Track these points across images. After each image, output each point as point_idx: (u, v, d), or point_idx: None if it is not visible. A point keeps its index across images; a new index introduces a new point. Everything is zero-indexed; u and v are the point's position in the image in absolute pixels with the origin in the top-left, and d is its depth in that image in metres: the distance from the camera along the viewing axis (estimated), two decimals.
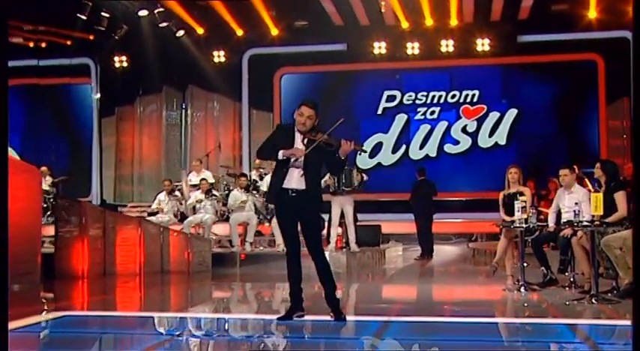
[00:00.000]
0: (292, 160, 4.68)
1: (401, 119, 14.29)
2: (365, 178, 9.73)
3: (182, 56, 14.50)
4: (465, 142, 13.98)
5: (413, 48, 14.07)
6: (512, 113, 13.89)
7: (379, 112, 14.36)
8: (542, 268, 7.05)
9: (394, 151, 14.24)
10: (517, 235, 7.08)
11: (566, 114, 13.62)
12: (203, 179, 10.66)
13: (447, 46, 13.88)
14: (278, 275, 8.38)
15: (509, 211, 7.17)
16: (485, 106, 13.98)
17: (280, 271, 8.63)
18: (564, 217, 6.95)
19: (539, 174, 12.93)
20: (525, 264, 7.10)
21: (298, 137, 4.78)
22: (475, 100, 14.04)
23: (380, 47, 14.19)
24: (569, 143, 13.57)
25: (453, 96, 14.16)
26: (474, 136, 13.97)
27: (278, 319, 4.81)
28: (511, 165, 7.54)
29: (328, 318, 4.82)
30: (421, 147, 14.18)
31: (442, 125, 14.16)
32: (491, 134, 13.95)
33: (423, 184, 11.19)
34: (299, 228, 4.87)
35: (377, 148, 14.16)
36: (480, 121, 13.95)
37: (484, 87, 14.01)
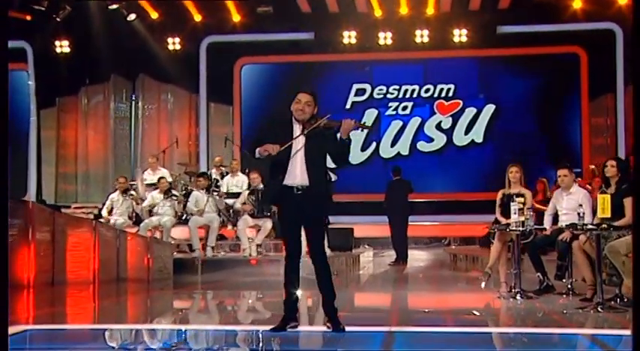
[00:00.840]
0: (266, 155, 4.51)
1: (371, 114, 14.18)
2: (333, 178, 9.51)
3: (133, 42, 14.05)
4: (440, 140, 13.96)
5: (385, 38, 13.99)
6: (489, 109, 13.93)
7: (347, 106, 14.26)
8: (538, 274, 6.99)
9: (363, 149, 14.14)
10: (512, 239, 7.02)
11: (546, 111, 13.74)
12: (162, 178, 10.31)
13: (422, 36, 13.86)
14: (243, 282, 8.59)
15: (507, 213, 7.10)
16: (461, 102, 13.99)
17: (245, 278, 9.02)
18: (562, 220, 6.96)
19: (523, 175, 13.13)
20: (515, 270, 6.95)
21: (297, 128, 4.69)
22: (450, 94, 14.03)
23: (350, 36, 14.07)
24: (549, 142, 13.70)
25: (427, 90, 14.13)
26: (449, 133, 13.97)
27: (270, 330, 4.67)
28: (512, 163, 7.46)
29: (325, 329, 4.71)
30: (392, 144, 14.12)
31: (415, 121, 14.11)
32: (467, 131, 13.96)
33: (398, 184, 11.13)
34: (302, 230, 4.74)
35: None
36: (456, 118, 13.96)
37: (460, 81, 14.02)
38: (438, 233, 13.43)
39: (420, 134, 14.06)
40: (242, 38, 14.30)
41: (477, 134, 13.92)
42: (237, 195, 10.33)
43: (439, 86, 14.07)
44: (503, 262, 7.21)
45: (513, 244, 6.97)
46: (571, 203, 6.94)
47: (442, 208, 13.37)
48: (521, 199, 6.79)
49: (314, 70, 14.39)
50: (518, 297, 6.67)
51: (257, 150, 4.59)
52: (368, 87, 14.25)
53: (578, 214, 6.13)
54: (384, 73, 14.25)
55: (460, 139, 13.98)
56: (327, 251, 9.06)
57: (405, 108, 14.15)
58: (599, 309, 5.75)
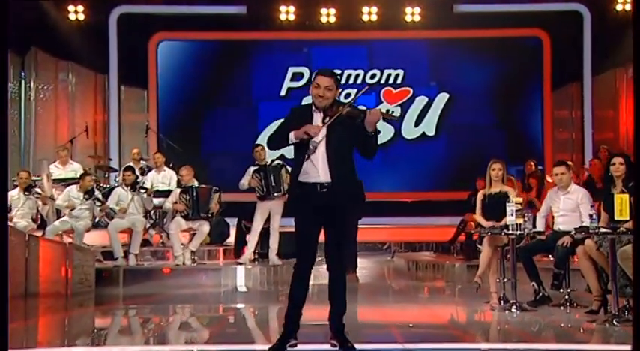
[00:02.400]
0: (311, 145, 4.53)
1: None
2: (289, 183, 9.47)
3: (24, 10, 13.05)
4: (387, 132, 13.77)
5: (328, 15, 13.84)
6: (442, 98, 13.97)
7: (282, 92, 14.07)
8: (533, 283, 6.97)
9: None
10: (506, 244, 7.06)
11: (505, 101, 13.92)
12: (87, 175, 9.84)
13: (370, 14, 13.77)
14: (175, 295, 8.24)
15: (492, 215, 7.20)
16: (410, 89, 13.97)
17: (176, 290, 8.56)
18: (558, 223, 7.05)
19: (473, 171, 13.16)
20: (505, 279, 7.02)
21: (317, 117, 4.67)
22: (399, 81, 13.99)
23: (287, 12, 13.85)
24: (508, 135, 13.87)
25: (373, 75, 14.04)
26: (397, 124, 13.86)
27: (269, 349, 4.62)
28: (494, 160, 7.50)
29: (329, 347, 4.70)
30: None
31: None
32: (417, 123, 13.95)
33: None
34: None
35: None
36: (405, 107, 13.91)
37: (410, 66, 13.98)
38: (384, 237, 13.36)
39: None
40: (159, 10, 13.85)
41: (429, 126, 13.90)
42: (164, 194, 9.89)
43: (386, 71, 13.98)
44: (494, 270, 7.20)
45: (508, 250, 6.96)
46: (569, 204, 7.03)
47: (389, 210, 13.18)
48: (519, 200, 6.79)
49: (244, 50, 14.09)
50: (513, 309, 6.60)
51: (292, 134, 4.56)
52: (306, 71, 14.03)
53: (590, 215, 6.12)
54: (324, 56, 14.03)
55: (409, 131, 13.92)
56: (275, 259, 9.46)
57: (347, 95, 13.47)
58: (615, 322, 5.72)
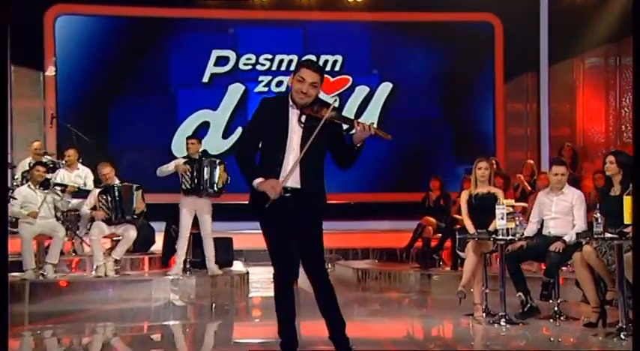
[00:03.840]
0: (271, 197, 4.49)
1: (236, 91, 13.88)
2: (229, 180, 9.49)
3: None
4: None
5: None
6: (385, 89, 13.99)
7: (205, 79, 13.89)
8: (520, 294, 6.94)
9: (226, 136, 13.78)
10: (493, 250, 7.22)
11: (454, 92, 14.02)
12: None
13: None
14: (94, 313, 7.91)
15: (478, 218, 7.26)
16: (350, 78, 13.96)
17: (95, 306, 8.18)
18: (550, 226, 7.06)
19: (421, 170, 13.24)
20: (487, 289, 7.12)
21: (294, 115, 4.62)
22: (337, 68, 13.97)
23: None
24: (456, 130, 14.03)
25: None
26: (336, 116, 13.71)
27: None
28: (480, 158, 7.60)
29: None
30: None
31: None
32: (357, 115, 13.78)
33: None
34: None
35: (201, 129, 13.59)
36: (343, 98, 13.87)
37: (349, 52, 13.97)
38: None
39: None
40: None
41: (371, 118, 13.78)
42: (85, 193, 9.58)
43: (323, 57, 13.93)
44: (479, 280, 7.21)
45: (498, 257, 7.02)
46: (562, 206, 7.06)
47: (328, 214, 12.97)
48: (510, 201, 6.84)
49: (160, 29, 13.78)
50: (502, 322, 6.63)
51: (256, 182, 4.52)
52: (232, 55, 13.89)
53: (595, 218, 6.07)
54: (253, 38, 13.97)
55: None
56: (215, 268, 9.32)
57: (279, 84, 13.92)
58: (622, 336, 5.74)
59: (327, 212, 4.76)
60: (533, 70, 13.88)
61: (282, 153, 4.56)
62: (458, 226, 10.26)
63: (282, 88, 13.82)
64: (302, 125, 4.57)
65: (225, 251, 10.15)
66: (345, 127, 4.69)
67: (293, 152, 4.55)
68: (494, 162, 11.12)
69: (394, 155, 13.63)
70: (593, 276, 6.38)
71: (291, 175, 4.53)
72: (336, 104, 4.62)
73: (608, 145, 13.28)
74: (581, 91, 13.51)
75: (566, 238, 6.77)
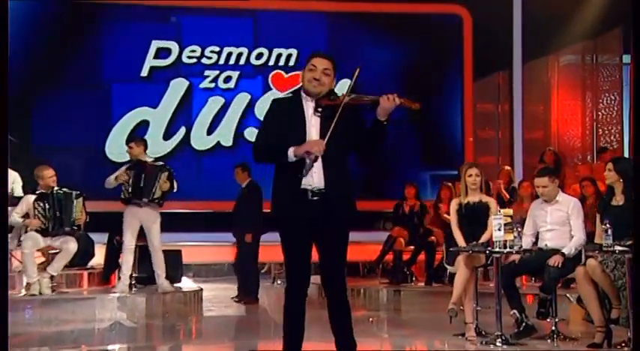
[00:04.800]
0: (309, 160, 4.55)
1: (178, 87, 13.66)
2: (175, 187, 9.44)
3: None
4: None
5: None
6: (343, 86, 13.03)
7: (144, 73, 13.63)
8: (514, 311, 6.94)
9: (167, 137, 13.54)
10: (486, 264, 7.33)
11: (418, 91, 13.53)
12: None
13: None
14: (27, 337, 7.69)
15: (468, 230, 7.37)
16: None
17: (27, 329, 7.96)
18: (545, 239, 7.13)
19: (385, 175, 13.17)
20: (479, 307, 7.21)
21: (309, 107, 4.71)
22: (292, 63, 13.86)
23: None
24: (421, 132, 13.96)
25: (260, 55, 13.84)
26: None
27: None
28: (468, 164, 7.85)
29: None
30: (210, 131, 13.70)
31: (242, 99, 13.77)
32: None
33: (246, 189, 10.73)
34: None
35: (140, 130, 13.29)
36: None
37: (305, 45, 13.62)
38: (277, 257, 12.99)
39: (249, 117, 13.68)
40: None
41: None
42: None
43: (276, 51, 13.82)
44: (471, 296, 7.24)
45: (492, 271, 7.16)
46: (558, 216, 7.11)
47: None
48: (508, 211, 6.87)
49: (92, 15, 13.43)
50: (498, 343, 6.60)
51: (291, 150, 4.53)
52: (174, 46, 13.65)
53: (605, 230, 6.19)
54: (198, 28, 13.75)
55: None
56: (166, 285, 9.17)
57: (228, 79, 13.74)
58: None
59: (355, 220, 4.79)
60: (506, 67, 13.91)
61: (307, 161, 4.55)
62: (432, 238, 10.39)
63: (231, 85, 13.67)
64: (319, 114, 4.62)
65: (174, 266, 10.07)
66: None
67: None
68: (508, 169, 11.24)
69: (352, 159, 13.33)
70: (597, 292, 6.42)
71: (313, 175, 4.55)
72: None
73: (584, 149, 13.45)
74: (555, 92, 13.70)
75: (565, 251, 6.81)
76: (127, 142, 9.58)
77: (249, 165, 10.89)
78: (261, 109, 13.50)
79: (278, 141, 4.59)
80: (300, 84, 4.83)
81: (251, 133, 13.55)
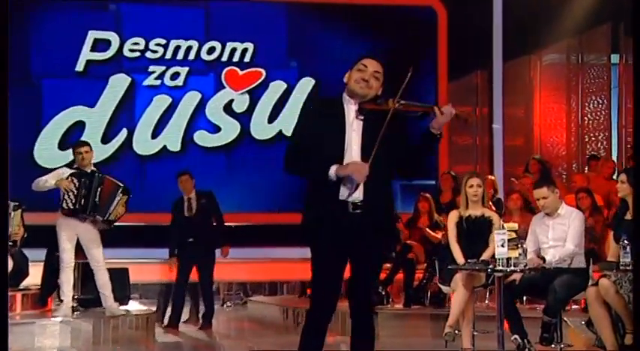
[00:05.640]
0: (351, 183, 4.62)
1: (119, 84, 13.42)
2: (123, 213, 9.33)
3: None
4: (230, 130, 13.58)
5: None
6: (306, 85, 13.73)
7: (79, 68, 13.37)
8: (515, 336, 7.03)
9: (106, 140, 13.25)
10: (486, 284, 7.50)
11: (388, 92, 13.50)
12: None
13: None
14: None
15: (469, 246, 7.45)
16: (262, 71, 13.67)
17: None
18: (549, 255, 7.16)
19: None
20: (475, 331, 7.35)
21: (350, 111, 4.77)
22: (247, 59, 13.67)
23: None
24: None
25: (212, 50, 13.65)
26: (245, 119, 13.59)
27: None
28: (469, 173, 7.95)
29: None
30: (155, 134, 13.43)
31: (192, 98, 13.56)
32: (272, 118, 13.63)
33: (203, 199, 10.59)
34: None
35: (74, 132, 13.01)
36: (256, 96, 13.63)
37: (263, 39, 13.71)
38: (233, 276, 13.01)
39: (198, 119, 13.50)
40: None
41: (288, 123, 13.40)
42: None
43: (230, 45, 13.62)
44: (469, 319, 7.34)
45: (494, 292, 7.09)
46: (560, 231, 7.23)
47: (238, 238, 12.42)
48: (512, 225, 6.75)
49: (20, 2, 12.91)
50: None
51: (333, 169, 4.57)
52: (114, 38, 13.39)
53: (622, 245, 6.28)
54: (141, 18, 13.55)
55: (262, 129, 13.59)
56: (115, 308, 9.27)
57: (175, 76, 13.49)
58: None
59: (396, 236, 5.13)
60: (484, 67, 13.84)
61: (339, 157, 4.61)
62: (412, 255, 10.13)
63: (179, 82, 13.43)
64: (362, 119, 4.67)
65: (121, 285, 9.96)
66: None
67: (353, 154, 4.63)
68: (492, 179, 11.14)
69: None
70: (610, 315, 6.53)
71: (353, 183, 4.60)
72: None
73: (569, 158, 13.47)
74: (538, 94, 13.69)
75: (547, 257, 6.96)
76: (79, 144, 9.25)
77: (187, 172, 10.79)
78: (213, 109, 13.50)
79: (313, 145, 4.63)
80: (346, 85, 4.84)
81: (202, 137, 13.46)
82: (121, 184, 9.13)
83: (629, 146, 13.24)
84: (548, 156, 13.13)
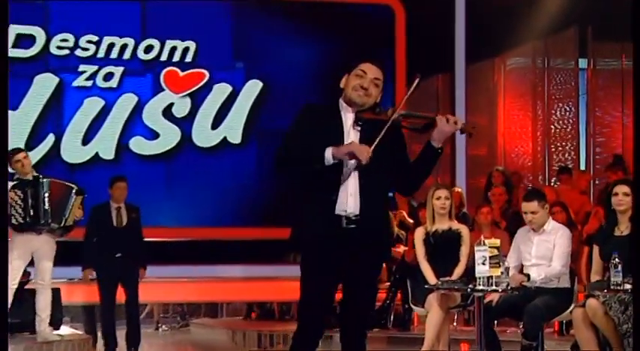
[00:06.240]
0: (349, 165, 4.69)
1: (45, 84, 13.10)
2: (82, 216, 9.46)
3: None
4: (170, 136, 13.31)
5: None
6: (253, 88, 13.52)
7: None
8: None
9: (31, 146, 12.74)
10: (462, 305, 7.68)
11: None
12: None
13: None
14: None
15: (439, 263, 7.65)
16: (206, 73, 13.45)
17: None
18: (533, 273, 7.21)
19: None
20: None
21: (348, 119, 4.84)
22: (189, 59, 13.43)
23: None
24: None
25: (149, 48, 13.36)
26: (186, 124, 13.35)
27: None
28: (436, 185, 8.20)
29: None
30: (86, 141, 13.14)
31: (127, 101, 13.28)
32: (216, 124, 13.40)
33: (132, 211, 10.36)
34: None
35: None
36: (198, 99, 13.39)
37: (205, 37, 13.49)
38: (174, 297, 12.78)
39: (135, 124, 13.22)
40: None
41: (233, 129, 13.40)
42: None
43: (170, 43, 13.33)
44: (445, 342, 7.52)
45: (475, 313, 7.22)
46: (544, 248, 7.26)
47: (178, 255, 12.72)
48: (494, 242, 6.73)
49: None
50: None
51: (329, 151, 4.61)
52: (39, 33, 13.02)
53: (613, 261, 6.31)
54: (70, 12, 13.19)
55: (205, 135, 13.35)
56: (48, 332, 9.18)
57: (109, 77, 13.16)
58: None
59: (388, 252, 5.29)
60: (446, 70, 13.76)
61: (335, 167, 4.63)
62: None
63: (113, 83, 13.14)
64: (359, 128, 4.70)
65: (54, 308, 9.68)
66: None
67: (350, 165, 4.65)
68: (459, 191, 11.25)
69: (264, 177, 13.14)
70: (598, 339, 6.57)
71: (348, 198, 4.67)
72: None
73: (535, 169, 13.53)
74: (502, 100, 13.74)
75: (532, 275, 7.01)
76: (14, 151, 9.07)
77: (125, 178, 10.57)
78: (151, 113, 13.26)
79: (308, 154, 4.67)
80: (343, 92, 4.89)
81: (138, 144, 13.23)
82: (73, 185, 9.12)
83: (597, 157, 13.29)
84: (513, 167, 13.13)
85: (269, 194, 13.20)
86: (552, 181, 12.90)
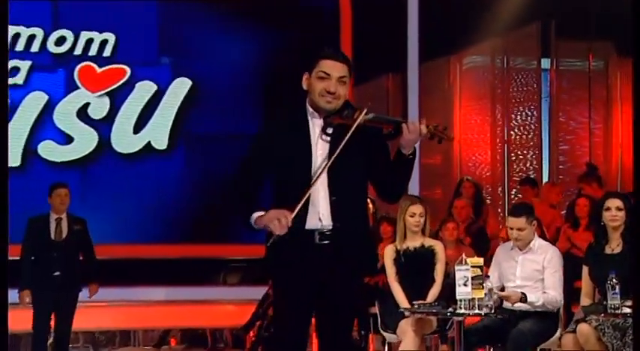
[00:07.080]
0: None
1: None
2: None
3: None
4: (85, 140, 13.10)
5: None
6: (180, 87, 13.31)
7: None
8: None
9: None
10: (438, 331, 7.76)
11: (281, 97, 12.64)
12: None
13: None
14: None
15: (411, 283, 7.72)
16: (127, 69, 13.21)
17: None
18: (532, 296, 7.21)
19: (230, 214, 12.55)
20: None
21: (315, 126, 4.80)
22: (107, 53, 13.17)
23: None
24: None
25: (61, 40, 13.10)
26: (104, 127, 13.12)
27: None
28: (410, 199, 7.95)
29: None
30: None
31: (36, 101, 13.08)
32: (138, 128, 13.18)
33: (76, 223, 10.33)
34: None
35: None
36: (118, 99, 13.16)
37: (126, 29, 13.25)
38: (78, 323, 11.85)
39: (44, 126, 13.01)
40: None
41: (158, 133, 13.19)
42: None
43: (85, 35, 13.05)
44: None
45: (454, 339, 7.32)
46: (530, 269, 7.30)
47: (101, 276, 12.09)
48: (476, 261, 6.81)
49: None
50: None
51: (255, 216, 4.68)
52: None
53: (609, 284, 6.41)
54: None
55: (126, 140, 13.14)
56: None
57: (13, 72, 12.79)
58: None
59: (374, 267, 5.32)
60: (397, 70, 13.64)
61: (304, 182, 4.61)
62: None
63: (19, 80, 12.84)
64: (327, 138, 4.66)
65: None
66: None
67: (320, 179, 4.61)
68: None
69: (197, 188, 13.14)
70: None
71: (323, 211, 4.65)
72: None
73: (494, 180, 13.54)
74: (458, 103, 13.69)
75: (531, 299, 6.99)
76: None
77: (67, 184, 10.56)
78: (63, 114, 13.04)
79: (273, 169, 4.74)
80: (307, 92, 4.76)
81: (48, 149, 13.01)
82: None
83: (561, 167, 13.27)
84: (471, 177, 12.98)
85: (197, 207, 13.22)
86: (512, 193, 12.85)
